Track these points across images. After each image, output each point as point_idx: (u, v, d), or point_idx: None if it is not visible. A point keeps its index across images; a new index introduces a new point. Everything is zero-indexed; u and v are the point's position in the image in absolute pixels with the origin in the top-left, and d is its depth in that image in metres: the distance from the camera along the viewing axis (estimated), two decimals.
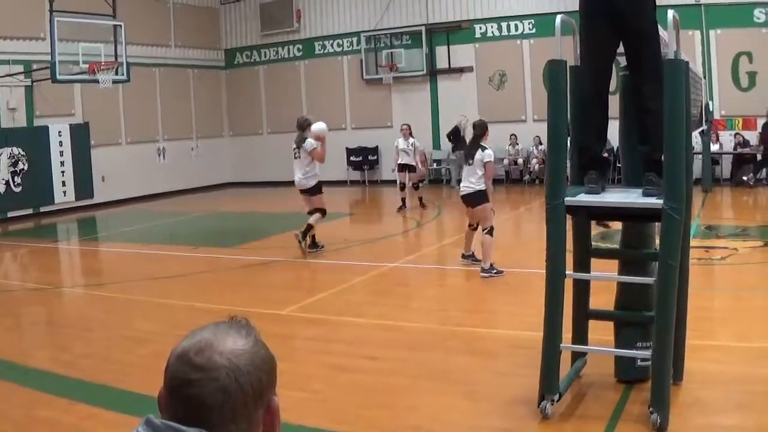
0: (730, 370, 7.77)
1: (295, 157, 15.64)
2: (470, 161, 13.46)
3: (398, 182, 23.00)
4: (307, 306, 11.64)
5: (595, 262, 7.63)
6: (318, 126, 16.30)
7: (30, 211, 26.13)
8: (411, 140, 22.72)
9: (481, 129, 13.75)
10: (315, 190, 15.85)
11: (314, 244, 15.90)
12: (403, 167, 22.51)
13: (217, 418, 1.75)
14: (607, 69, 7.19)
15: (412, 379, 8.18)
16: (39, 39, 25.69)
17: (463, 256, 14.21)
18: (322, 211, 15.78)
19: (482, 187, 13.36)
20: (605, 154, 7.57)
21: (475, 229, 13.82)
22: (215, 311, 11.61)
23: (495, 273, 13.07)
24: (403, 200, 22.40)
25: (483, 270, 13.16)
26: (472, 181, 13.44)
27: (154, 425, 1.75)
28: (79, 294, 14.59)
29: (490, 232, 13.25)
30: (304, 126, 15.52)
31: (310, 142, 15.37)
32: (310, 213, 15.73)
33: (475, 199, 13.41)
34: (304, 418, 6.79)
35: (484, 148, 13.37)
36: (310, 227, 15.61)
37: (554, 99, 6.80)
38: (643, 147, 7.05)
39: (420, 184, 23.23)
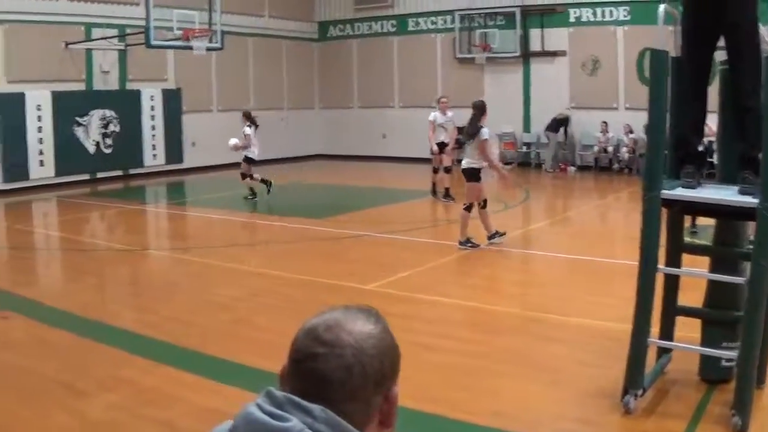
0: None
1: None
2: (470, 140, 14.17)
3: (433, 165, 21.05)
4: (391, 283, 11.68)
5: (685, 257, 7.57)
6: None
7: (119, 172, 26.57)
8: (449, 114, 20.58)
9: (479, 109, 14.40)
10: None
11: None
12: (439, 147, 20.22)
13: (336, 394, 1.78)
14: (707, 62, 7.09)
15: (494, 362, 8.20)
16: (134, 4, 26.01)
17: (489, 238, 14.42)
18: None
19: (479, 165, 14.10)
20: (701, 148, 7.45)
21: (484, 207, 14.28)
22: (298, 281, 11.78)
23: (470, 246, 14.11)
24: (434, 185, 21.00)
25: (460, 243, 14.17)
26: (471, 159, 14.17)
27: (275, 397, 1.78)
28: (165, 257, 14.84)
29: (469, 208, 14.16)
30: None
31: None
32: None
33: (470, 175, 14.18)
34: None
35: (480, 128, 14.00)
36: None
37: (655, 90, 6.71)
38: (741, 144, 6.95)
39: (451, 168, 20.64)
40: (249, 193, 21.20)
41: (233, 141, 20.87)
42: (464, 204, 14.31)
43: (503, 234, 14.50)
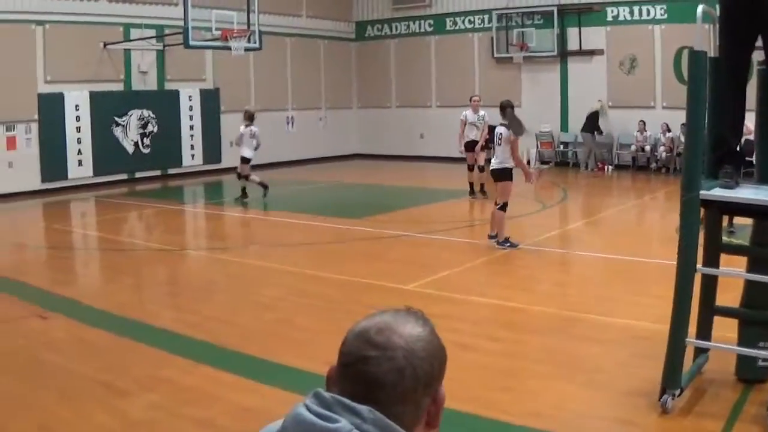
0: None
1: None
2: (499, 142, 14.26)
3: (468, 163, 21.08)
4: (430, 283, 11.70)
5: (722, 256, 7.56)
6: None
7: (158, 172, 26.76)
8: (481, 113, 20.84)
9: (503, 110, 14.43)
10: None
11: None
12: (470, 145, 20.67)
13: (387, 397, 1.80)
14: (745, 62, 7.08)
15: (533, 363, 8.22)
16: (171, 4, 26.16)
17: (490, 237, 14.49)
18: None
19: (509, 164, 14.22)
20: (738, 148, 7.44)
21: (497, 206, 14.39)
22: (338, 281, 11.83)
23: (509, 246, 14.08)
24: (472, 185, 21.11)
25: (498, 243, 14.15)
26: (500, 158, 14.26)
27: (323, 398, 1.80)
28: (203, 256, 14.93)
29: (503, 207, 14.18)
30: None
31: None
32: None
33: (501, 175, 14.29)
34: None
35: (507, 127, 14.11)
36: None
37: (694, 90, 6.70)
38: None
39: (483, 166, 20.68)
40: (241, 194, 21.37)
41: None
42: (497, 204, 14.36)
43: (516, 245, 14.23)
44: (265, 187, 21.26)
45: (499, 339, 9.06)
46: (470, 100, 21.34)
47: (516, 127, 14.14)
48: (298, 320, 9.99)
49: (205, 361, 8.30)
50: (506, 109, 14.40)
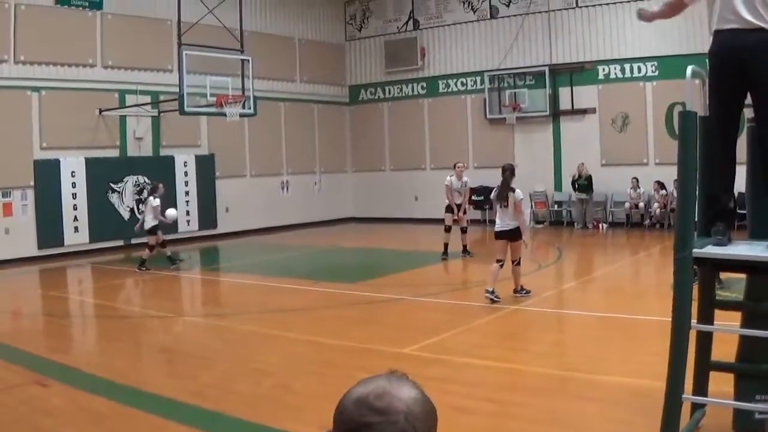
0: None
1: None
2: (505, 204, 14.98)
3: (445, 224, 21.45)
4: (428, 346, 11.67)
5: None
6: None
7: None
8: (464, 179, 21.41)
9: (511, 173, 15.26)
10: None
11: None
12: (451, 208, 21.13)
13: None
14: (735, 120, 7.14)
15: (531, 423, 8.20)
16: (167, 71, 26.43)
17: (488, 292, 14.91)
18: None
19: (517, 224, 14.97)
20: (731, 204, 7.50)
21: (503, 265, 15.02)
22: (336, 347, 11.81)
23: (525, 293, 15.25)
24: (446, 246, 21.24)
25: (515, 292, 15.28)
26: (507, 221, 15.00)
27: None
28: (200, 323, 14.90)
29: (519, 263, 15.28)
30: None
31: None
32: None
33: (514, 234, 14.97)
34: None
35: (514, 190, 14.94)
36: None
37: (685, 151, 6.76)
38: None
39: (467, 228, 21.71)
40: (170, 263, 21.64)
41: (173, 212, 21.66)
42: (514, 260, 15.14)
43: (528, 292, 15.28)
44: (174, 260, 21.70)
45: (496, 400, 9.04)
46: (454, 167, 21.58)
47: (502, 190, 15.07)
48: (296, 386, 9.96)
49: (204, 429, 8.29)
50: (505, 172, 15.14)
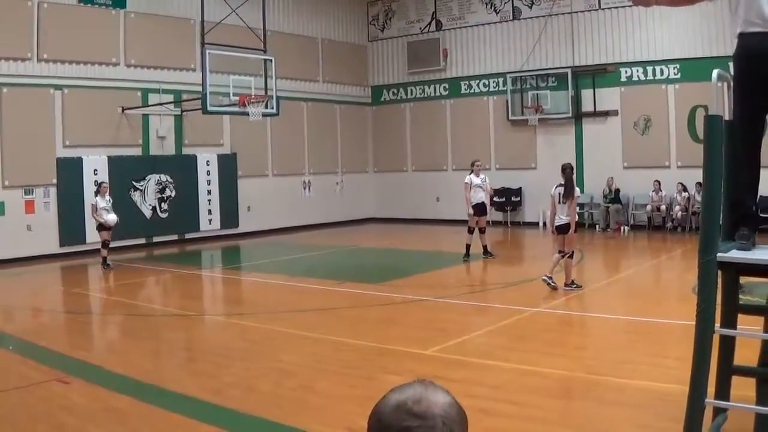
0: None
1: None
2: (569, 200, 16.26)
3: (469, 225, 21.62)
4: (451, 347, 11.69)
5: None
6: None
7: (175, 237, 26.94)
8: (482, 176, 21.63)
9: (571, 170, 16.56)
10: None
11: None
12: (481, 208, 21.28)
13: None
14: (759, 124, 7.13)
15: (554, 427, 8.19)
16: (190, 70, 26.49)
17: (566, 285, 16.34)
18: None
19: (569, 219, 16.27)
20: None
21: (571, 257, 16.60)
22: (359, 347, 11.80)
23: (575, 288, 16.30)
24: (468, 248, 21.39)
25: (566, 285, 16.31)
26: (563, 216, 16.34)
27: None
28: (222, 321, 14.91)
29: (572, 255, 16.61)
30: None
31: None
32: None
33: (568, 229, 16.29)
34: None
35: (565, 187, 16.33)
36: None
37: (710, 155, 6.74)
38: None
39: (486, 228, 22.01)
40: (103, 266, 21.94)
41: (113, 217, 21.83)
42: (566, 253, 16.32)
43: (580, 287, 16.45)
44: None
45: (519, 403, 9.02)
46: (472, 165, 21.73)
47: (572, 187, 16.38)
48: (318, 386, 9.95)
49: (226, 428, 8.31)
50: (566, 170, 16.30)
